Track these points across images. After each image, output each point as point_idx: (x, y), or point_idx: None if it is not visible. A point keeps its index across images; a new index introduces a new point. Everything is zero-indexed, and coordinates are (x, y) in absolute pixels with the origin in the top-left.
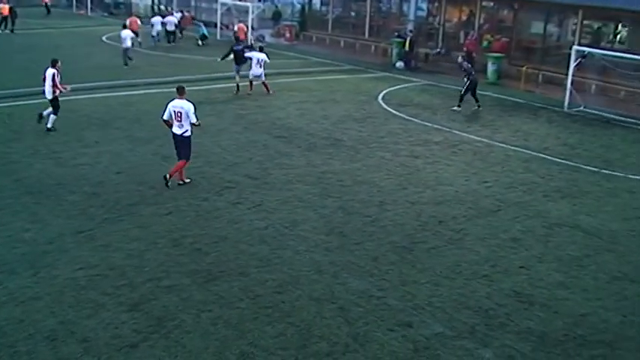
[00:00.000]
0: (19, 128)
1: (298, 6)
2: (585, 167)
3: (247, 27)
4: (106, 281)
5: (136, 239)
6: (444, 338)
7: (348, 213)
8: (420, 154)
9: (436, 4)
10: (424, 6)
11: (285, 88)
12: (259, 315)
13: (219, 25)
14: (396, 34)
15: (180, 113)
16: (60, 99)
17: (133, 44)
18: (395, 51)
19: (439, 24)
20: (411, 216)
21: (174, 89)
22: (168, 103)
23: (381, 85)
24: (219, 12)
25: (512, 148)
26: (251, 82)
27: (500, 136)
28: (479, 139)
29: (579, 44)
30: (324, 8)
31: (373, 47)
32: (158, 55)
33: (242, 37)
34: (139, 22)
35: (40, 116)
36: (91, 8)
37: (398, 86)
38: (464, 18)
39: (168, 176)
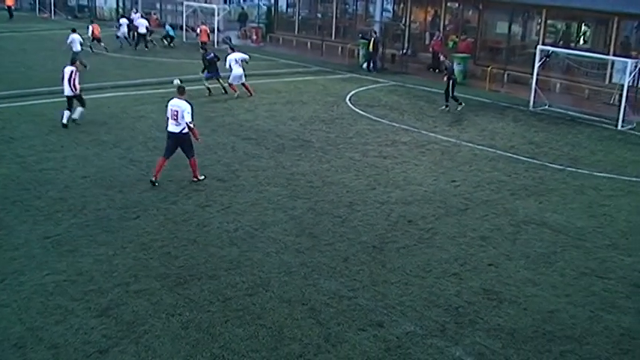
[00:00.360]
0: None
1: (264, 8)
2: (551, 165)
3: (211, 29)
4: (74, 287)
5: (104, 244)
6: (415, 337)
7: (318, 214)
8: (389, 154)
9: (402, 5)
10: (390, 7)
11: (252, 90)
12: (230, 318)
13: (184, 27)
14: (360, 35)
15: (177, 112)
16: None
17: (83, 48)
18: (362, 52)
19: (405, 25)
20: (381, 216)
21: (138, 92)
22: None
23: (349, 86)
24: (184, 14)
25: (479, 147)
26: (233, 85)
27: (467, 135)
28: (446, 138)
29: (543, 44)
30: (290, 10)
31: (340, 48)
32: (125, 57)
33: (205, 39)
34: (99, 28)
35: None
36: (55, 12)
37: (365, 87)
38: (429, 19)
39: (196, 179)
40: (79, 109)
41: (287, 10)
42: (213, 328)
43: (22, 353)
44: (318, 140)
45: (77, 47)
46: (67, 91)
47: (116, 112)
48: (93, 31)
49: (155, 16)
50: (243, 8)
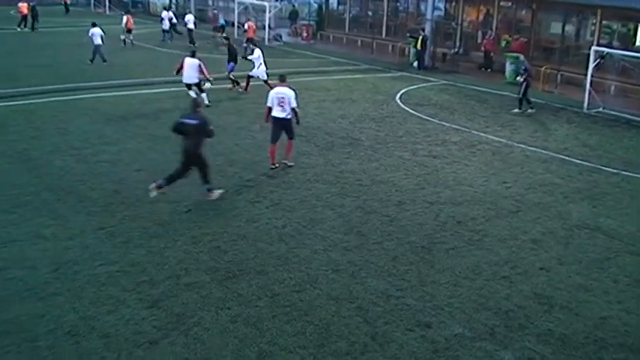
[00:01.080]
0: (40, 125)
1: (315, 5)
2: (605, 169)
3: (262, 26)
4: (126, 277)
5: (156, 236)
6: (464, 339)
7: (367, 212)
8: (439, 153)
9: (454, 3)
10: (442, 5)
11: (302, 87)
12: (278, 313)
13: (236, 24)
14: (408, 34)
15: (284, 99)
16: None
17: (104, 42)
18: (412, 51)
19: (456, 24)
20: (430, 216)
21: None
22: (269, 91)
23: (399, 85)
24: (236, 11)
25: (532, 148)
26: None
27: (519, 136)
28: (497, 139)
29: (598, 44)
30: (341, 7)
31: (390, 47)
32: (176, 53)
33: (251, 35)
34: (132, 20)
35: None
36: (110, 7)
37: (416, 86)
38: (481, 18)
39: (290, 164)
40: (202, 94)
41: (338, 7)
42: (260, 323)
43: (75, 341)
44: (368, 138)
45: (98, 41)
46: (191, 79)
47: (169, 106)
48: (127, 23)
49: (214, 12)
50: (294, 6)
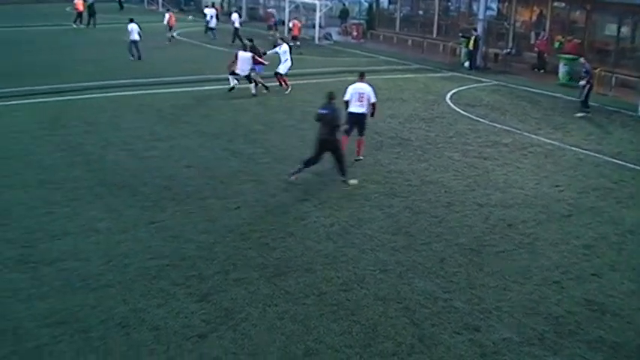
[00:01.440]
0: (94, 120)
1: (366, 4)
2: None
3: (312, 25)
4: (176, 271)
5: (206, 232)
6: (512, 344)
7: (415, 213)
8: (489, 155)
9: (506, 3)
10: (494, 5)
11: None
12: (325, 312)
13: (287, 22)
14: (460, 33)
15: (364, 94)
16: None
17: (141, 38)
18: (463, 51)
19: (509, 24)
20: (479, 218)
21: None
22: (347, 87)
23: (450, 85)
24: (287, 10)
25: (585, 151)
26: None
27: (572, 139)
28: (549, 141)
29: None
30: (391, 7)
31: (441, 46)
32: (227, 51)
33: (297, 33)
34: (174, 17)
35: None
36: (163, 4)
37: (467, 86)
38: (534, 18)
39: (360, 158)
40: (252, 85)
41: (388, 6)
42: (308, 321)
43: (125, 332)
44: (418, 139)
45: (135, 36)
46: (244, 72)
47: (219, 104)
48: (169, 20)
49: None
50: (344, 5)
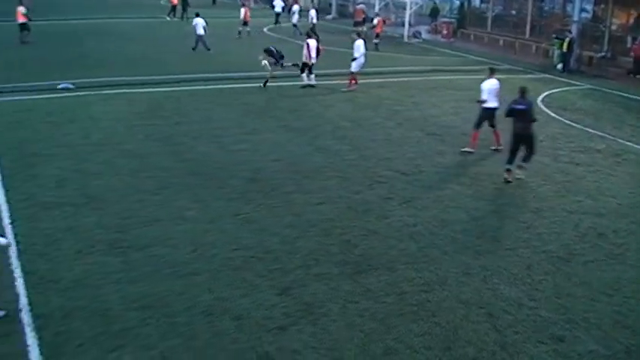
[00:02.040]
0: (186, 112)
1: (457, 3)
2: None
3: (401, 23)
4: (260, 264)
5: (290, 226)
6: (598, 357)
7: (502, 217)
8: (581, 161)
9: (602, 5)
10: (589, 7)
11: (440, 85)
12: (405, 312)
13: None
14: (554, 35)
15: (497, 90)
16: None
17: (206, 32)
18: (556, 52)
19: (605, 27)
20: (569, 225)
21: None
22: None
23: (541, 87)
24: (377, 7)
25: None
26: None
27: None
28: None
29: None
30: (483, 5)
31: (534, 47)
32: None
33: (379, 30)
34: (249, 12)
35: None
36: (255, 0)
37: (559, 89)
38: (631, 21)
39: (500, 146)
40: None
41: (480, 5)
42: (388, 320)
43: (209, 321)
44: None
45: (200, 31)
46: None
47: (307, 100)
48: (244, 15)
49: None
50: (435, 3)
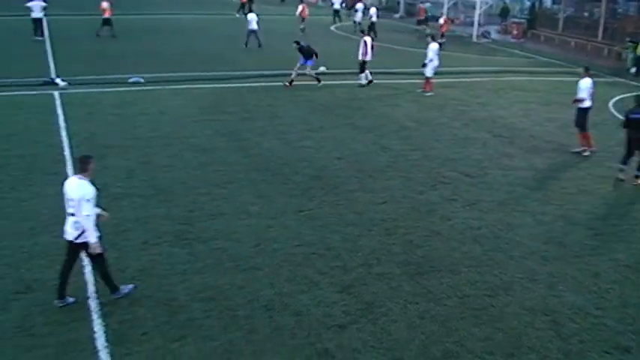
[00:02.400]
0: (251, 108)
1: (528, 3)
2: None
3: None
4: (321, 260)
5: (352, 224)
6: None
7: (570, 223)
8: None
9: None
10: None
11: (509, 86)
12: (467, 315)
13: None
14: (628, 38)
15: (592, 90)
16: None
17: (259, 27)
18: (630, 56)
19: None
20: (639, 234)
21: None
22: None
23: (613, 91)
24: (445, 6)
25: None
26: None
27: None
28: None
29: None
30: (555, 6)
31: (606, 50)
32: (380, 45)
33: (445, 29)
34: (307, 9)
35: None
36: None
37: (632, 93)
38: None
39: (588, 150)
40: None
41: (552, 6)
42: (449, 323)
43: (269, 315)
44: (576, 145)
45: (253, 26)
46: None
47: (372, 98)
48: (301, 12)
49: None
50: (505, 3)
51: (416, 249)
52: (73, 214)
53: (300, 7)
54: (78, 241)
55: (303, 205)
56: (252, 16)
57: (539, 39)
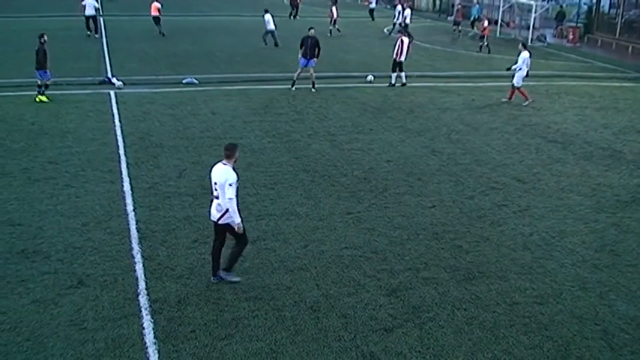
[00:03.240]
0: (301, 109)
1: (585, 7)
2: None
3: (526, 26)
4: (368, 263)
5: (400, 227)
6: None
7: (623, 231)
8: None
9: None
10: None
11: (563, 91)
12: (515, 323)
13: (499, 22)
14: None
15: None
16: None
17: (276, 27)
18: None
19: None
20: None
21: (446, 84)
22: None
23: None
24: (500, 8)
25: None
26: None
27: None
28: None
29: None
30: (612, 11)
31: None
32: (436, 49)
33: (486, 33)
34: (336, 12)
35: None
36: (376, 0)
37: None
38: None
39: None
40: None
41: (609, 10)
42: (497, 330)
43: (315, 317)
44: (631, 152)
45: (271, 26)
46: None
47: (423, 101)
48: (331, 13)
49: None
50: (561, 6)
51: (465, 254)
52: (217, 197)
53: (334, 10)
54: (221, 222)
55: (351, 208)
56: (267, 17)
57: (595, 43)
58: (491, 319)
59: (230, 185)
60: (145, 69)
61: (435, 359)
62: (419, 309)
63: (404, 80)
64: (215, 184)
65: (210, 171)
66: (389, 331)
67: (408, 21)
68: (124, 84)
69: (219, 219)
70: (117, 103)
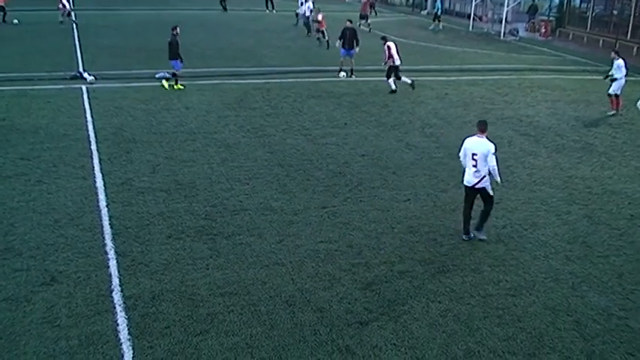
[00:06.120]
0: (276, 104)
1: (556, 1)
2: None
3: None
4: (343, 257)
5: (375, 221)
6: None
7: (594, 223)
8: None
9: None
10: None
11: (536, 85)
12: (489, 315)
13: (472, 16)
14: None
15: None
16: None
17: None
18: None
19: None
20: None
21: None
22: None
23: None
24: (473, 3)
25: None
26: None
27: None
28: None
29: None
30: (584, 5)
31: (635, 49)
32: (410, 43)
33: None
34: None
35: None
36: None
37: None
38: None
39: None
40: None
41: (580, 4)
42: (471, 322)
43: (291, 311)
44: (602, 144)
45: (307, 13)
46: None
47: (397, 95)
48: (363, 8)
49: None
50: (534, 1)
51: (439, 247)
52: (475, 166)
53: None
54: (478, 186)
55: (326, 202)
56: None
57: (567, 37)
58: (466, 311)
59: (493, 154)
60: (117, 63)
61: (410, 352)
62: (394, 302)
63: (409, 81)
64: (475, 154)
65: (462, 143)
66: (364, 324)
67: (308, 14)
68: (96, 79)
69: (475, 184)
70: (89, 98)
